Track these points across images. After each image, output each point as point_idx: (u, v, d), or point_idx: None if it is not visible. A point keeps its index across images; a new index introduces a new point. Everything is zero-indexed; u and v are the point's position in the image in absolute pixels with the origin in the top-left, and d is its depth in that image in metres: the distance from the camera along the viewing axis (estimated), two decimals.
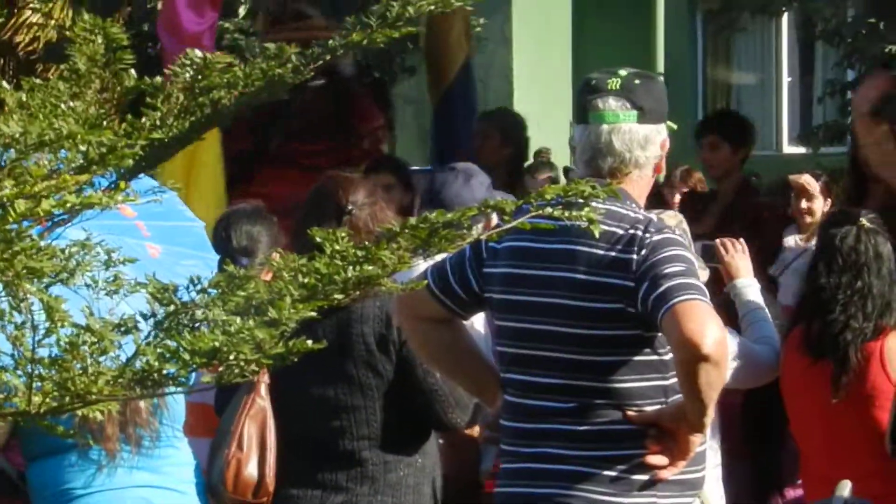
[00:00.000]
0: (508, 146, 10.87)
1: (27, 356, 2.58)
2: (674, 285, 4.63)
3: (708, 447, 5.44)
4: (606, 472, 4.94)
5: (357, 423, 6.08)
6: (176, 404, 5.15)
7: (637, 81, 5.37)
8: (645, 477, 4.97)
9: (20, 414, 2.72)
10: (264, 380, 5.06)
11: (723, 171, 10.46)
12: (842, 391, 5.41)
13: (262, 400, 5.80)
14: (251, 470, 5.65)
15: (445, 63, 10.61)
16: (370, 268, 2.78)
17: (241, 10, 14.99)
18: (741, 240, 6.38)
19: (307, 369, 5.24)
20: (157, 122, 2.81)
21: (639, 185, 5.13)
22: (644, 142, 5.00)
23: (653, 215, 5.13)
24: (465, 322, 5.61)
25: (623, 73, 5.43)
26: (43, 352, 2.58)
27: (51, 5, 10.26)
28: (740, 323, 5.88)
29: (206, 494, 5.64)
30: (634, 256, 4.76)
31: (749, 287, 6.14)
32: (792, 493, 5.96)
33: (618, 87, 5.25)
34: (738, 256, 6.01)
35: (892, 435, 4.69)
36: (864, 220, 5.89)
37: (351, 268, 2.76)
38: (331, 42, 3.07)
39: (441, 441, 6.50)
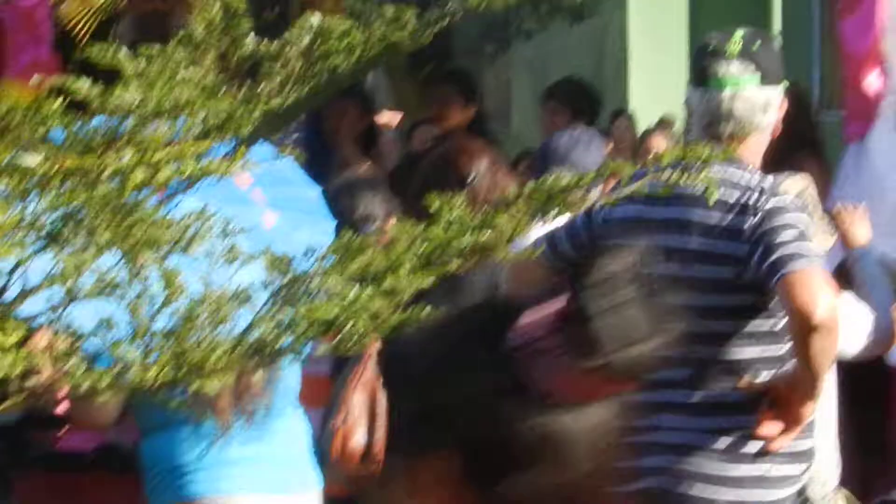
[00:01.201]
0: (472, 106, 10.78)
1: (144, 328, 2.61)
2: (787, 254, 4.64)
3: (823, 417, 5.44)
4: (718, 443, 5.00)
5: None
6: (290, 375, 5.20)
7: (758, 43, 5.28)
8: (756, 447, 5.01)
9: (136, 387, 2.70)
10: (375, 348, 5.01)
11: None
12: None
13: (372, 369, 5.81)
14: (358, 438, 5.67)
15: None
16: (488, 234, 2.79)
17: None
18: (862, 205, 6.35)
19: (417, 338, 4.98)
20: (276, 89, 2.83)
21: (755, 148, 5.08)
22: (765, 105, 4.98)
23: (769, 180, 5.04)
24: None
25: (741, 33, 5.35)
26: (159, 323, 2.62)
27: None
28: (858, 291, 5.84)
29: (320, 464, 5.70)
30: (747, 224, 4.76)
31: (866, 256, 6.04)
32: None
33: (738, 50, 5.18)
34: (857, 223, 5.93)
35: None
36: None
37: (468, 234, 2.77)
38: (449, 5, 3.06)
39: None
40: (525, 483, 1.97)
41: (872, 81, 5.51)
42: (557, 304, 2.00)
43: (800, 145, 6.30)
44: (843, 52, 5.42)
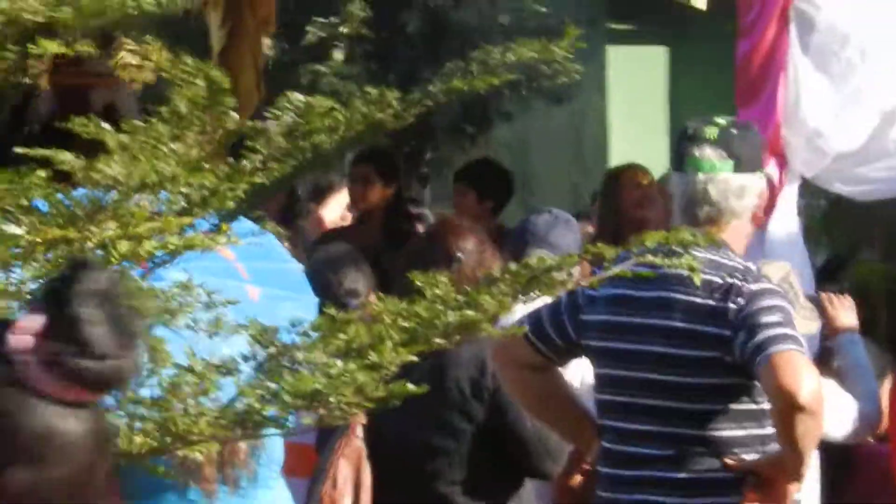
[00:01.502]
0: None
1: (130, 396, 2.55)
2: (771, 336, 4.56)
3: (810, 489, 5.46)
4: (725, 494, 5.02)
5: (450, 468, 6.05)
6: (274, 445, 5.23)
7: (734, 131, 5.23)
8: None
9: (121, 454, 2.68)
10: (360, 420, 5.06)
11: (470, 218, 10.25)
12: None
13: (358, 440, 5.83)
14: None
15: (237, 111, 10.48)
16: (471, 312, 2.81)
17: (339, 55, 15.06)
18: (847, 296, 6.38)
19: (401, 411, 4.96)
20: (259, 165, 2.84)
21: (738, 233, 5.07)
22: (740, 191, 4.99)
23: (752, 264, 4.99)
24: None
25: (721, 121, 5.38)
26: (145, 392, 2.59)
27: (148, 47, 10.32)
28: (842, 377, 5.87)
29: None
30: (732, 306, 4.70)
31: (851, 343, 6.07)
32: None
33: (715, 136, 5.21)
34: (842, 312, 5.97)
35: None
36: None
37: (452, 312, 2.79)
38: (432, 87, 3.09)
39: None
40: (23, 476, 2.01)
41: (771, 172, 5.52)
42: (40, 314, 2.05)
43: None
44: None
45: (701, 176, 4.88)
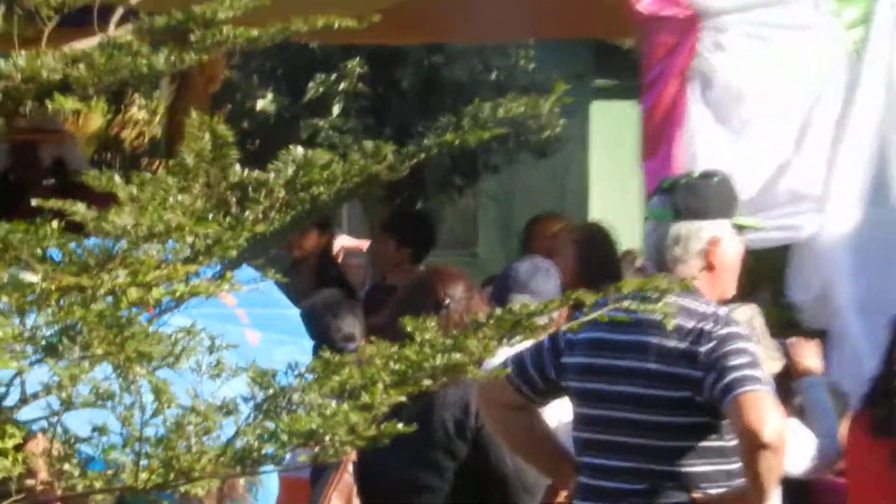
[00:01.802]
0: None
1: (135, 435, 2.64)
2: (738, 377, 4.75)
3: None
4: None
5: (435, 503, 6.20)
6: (270, 480, 5.38)
7: (684, 181, 5.35)
8: None
9: (128, 489, 2.75)
10: (351, 457, 5.15)
11: (389, 264, 11.01)
12: None
13: (349, 475, 5.95)
14: None
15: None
16: (458, 356, 2.82)
17: (336, 109, 15.16)
18: (815, 341, 6.51)
19: (389, 449, 5.05)
20: (260, 216, 2.86)
21: (708, 280, 5.24)
22: (676, 239, 5.04)
23: (721, 310, 5.16)
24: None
25: (690, 174, 5.51)
26: (150, 431, 2.63)
27: (156, 103, 10.46)
28: (805, 416, 6.03)
29: None
30: (702, 349, 4.87)
31: (815, 385, 6.19)
32: None
33: (668, 186, 5.34)
34: (809, 354, 6.09)
35: None
36: None
37: (439, 355, 2.79)
38: (425, 140, 3.13)
39: None
40: None
41: None
42: None
43: (599, 279, 6.36)
44: (647, 193, 5.48)
45: (650, 224, 4.99)
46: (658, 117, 5.58)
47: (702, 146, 5.78)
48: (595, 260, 7.78)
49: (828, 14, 5.57)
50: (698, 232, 5.08)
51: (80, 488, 2.94)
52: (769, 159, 5.92)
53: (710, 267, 5.09)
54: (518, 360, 5.14)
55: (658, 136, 5.73)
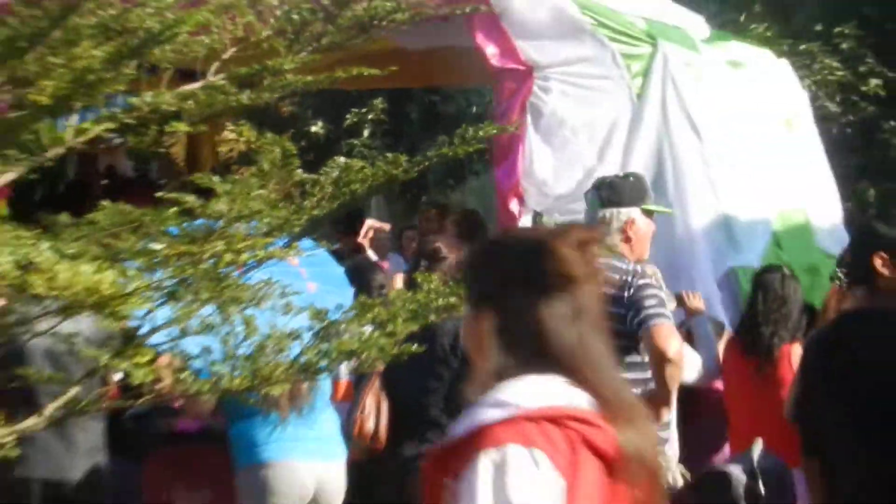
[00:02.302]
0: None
1: (231, 354, 2.75)
2: (650, 313, 4.98)
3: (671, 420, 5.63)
4: None
5: (437, 400, 6.16)
6: (325, 384, 5.39)
7: (608, 181, 5.43)
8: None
9: (225, 391, 2.81)
10: (380, 368, 5.16)
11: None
12: (764, 376, 5.52)
13: (378, 381, 5.99)
14: (370, 426, 5.79)
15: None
16: (453, 299, 2.99)
17: (365, 132, 15.32)
18: (698, 293, 6.70)
19: (406, 363, 5.10)
20: (315, 204, 2.94)
21: (627, 248, 5.25)
22: (602, 220, 5.16)
23: (637, 267, 5.29)
24: None
25: (615, 175, 5.74)
26: (241, 351, 2.73)
27: (242, 127, 10.52)
28: (694, 343, 6.17)
29: (345, 441, 5.85)
30: (625, 294, 5.07)
31: (701, 321, 6.33)
32: (715, 456, 6.21)
33: (598, 184, 5.56)
34: (695, 302, 6.23)
35: (791, 406, 4.69)
36: (786, 270, 6.14)
37: (441, 299, 2.98)
38: (428, 153, 3.19)
39: None
40: None
41: (515, 208, 5.93)
42: None
43: None
44: (497, 190, 5.81)
45: (587, 211, 5.06)
46: (506, 138, 5.84)
47: (536, 156, 6.30)
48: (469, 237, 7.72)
49: (621, 67, 5.97)
50: (618, 215, 5.34)
51: (192, 391, 2.95)
52: (580, 167, 6.14)
53: (627, 239, 5.31)
54: None
55: (506, 150, 6.12)
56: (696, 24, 7.02)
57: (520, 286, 1.86)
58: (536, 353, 1.79)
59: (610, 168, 5.87)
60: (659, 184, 6.13)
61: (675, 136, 5.98)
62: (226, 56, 3.40)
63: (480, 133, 3.32)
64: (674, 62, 6.12)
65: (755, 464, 4.99)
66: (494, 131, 3.62)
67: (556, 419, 1.67)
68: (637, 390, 4.63)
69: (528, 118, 5.97)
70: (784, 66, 7.67)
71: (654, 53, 6.12)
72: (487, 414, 1.69)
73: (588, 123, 6.07)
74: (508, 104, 6.17)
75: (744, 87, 6.63)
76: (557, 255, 1.83)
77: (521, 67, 5.87)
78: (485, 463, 1.60)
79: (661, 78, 6.14)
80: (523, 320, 1.82)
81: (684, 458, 5.61)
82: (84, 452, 4.79)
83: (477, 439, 1.65)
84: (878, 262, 3.82)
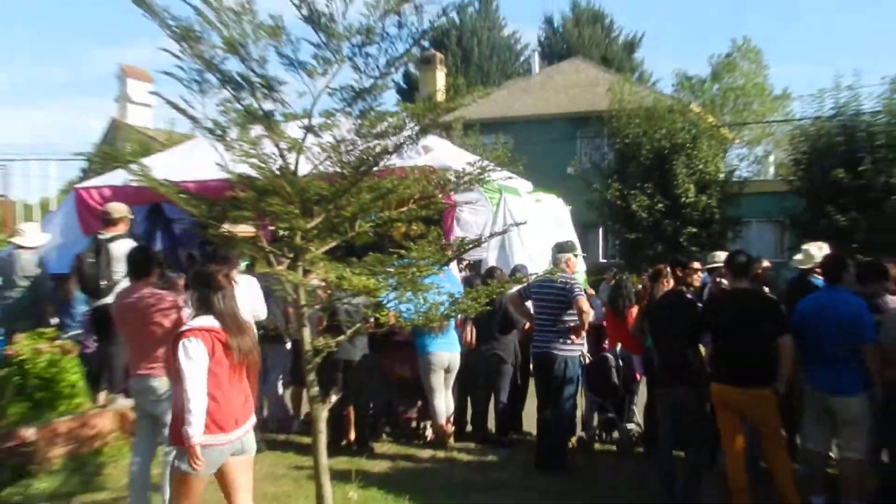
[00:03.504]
0: None
1: (417, 310, 4.63)
2: (575, 293, 6.79)
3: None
4: (561, 337, 7.01)
5: (495, 325, 8.00)
6: (452, 322, 7.21)
7: (556, 245, 7.76)
8: (570, 342, 7.00)
9: (415, 325, 4.63)
10: (472, 315, 6.20)
11: None
12: (621, 320, 7.99)
13: (470, 321, 7.73)
14: (468, 337, 7.96)
15: None
16: (500, 288, 4.72)
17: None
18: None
19: (483, 315, 6.26)
20: (453, 253, 4.71)
21: (567, 271, 7.21)
22: (556, 261, 7.37)
23: (571, 278, 7.09)
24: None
25: (559, 243, 7.93)
26: (422, 309, 4.56)
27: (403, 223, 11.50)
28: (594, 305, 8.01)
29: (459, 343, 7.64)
30: (566, 287, 6.90)
31: (595, 299, 8.29)
32: (603, 351, 8.35)
33: (555, 247, 7.81)
34: (590, 290, 8.44)
35: (633, 330, 7.22)
36: (626, 275, 8.39)
37: (493, 292, 4.76)
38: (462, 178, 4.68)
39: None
40: None
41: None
42: None
43: None
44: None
45: (554, 255, 7.52)
46: (447, 226, 9.20)
47: (456, 233, 8.84)
48: None
49: (487, 201, 9.51)
50: (563, 257, 7.17)
51: (401, 325, 4.86)
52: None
53: (567, 267, 7.11)
54: (518, 291, 7.06)
55: (447, 233, 8.90)
56: (524, 184, 10.83)
57: (205, 286, 4.31)
58: (206, 310, 4.22)
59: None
60: (504, 244, 9.47)
61: (508, 223, 7.43)
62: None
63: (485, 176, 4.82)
64: (509, 199, 9.72)
65: (618, 353, 7.22)
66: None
67: (205, 329, 4.11)
68: (572, 324, 6.62)
69: (455, 220, 9.02)
70: (559, 200, 12.29)
71: (501, 196, 9.59)
72: (189, 326, 4.10)
73: (476, 222, 9.24)
74: (448, 213, 9.19)
75: (542, 209, 10.99)
76: (215, 276, 4.34)
77: (451, 203, 8.45)
78: (182, 342, 4.00)
79: (503, 206, 9.63)
80: (205, 297, 4.25)
81: (591, 352, 7.59)
82: (360, 348, 6.93)
83: (183, 333, 4.05)
84: (676, 272, 5.88)
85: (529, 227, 7.92)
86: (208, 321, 4.04)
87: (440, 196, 4.93)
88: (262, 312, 6.39)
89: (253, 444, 4.30)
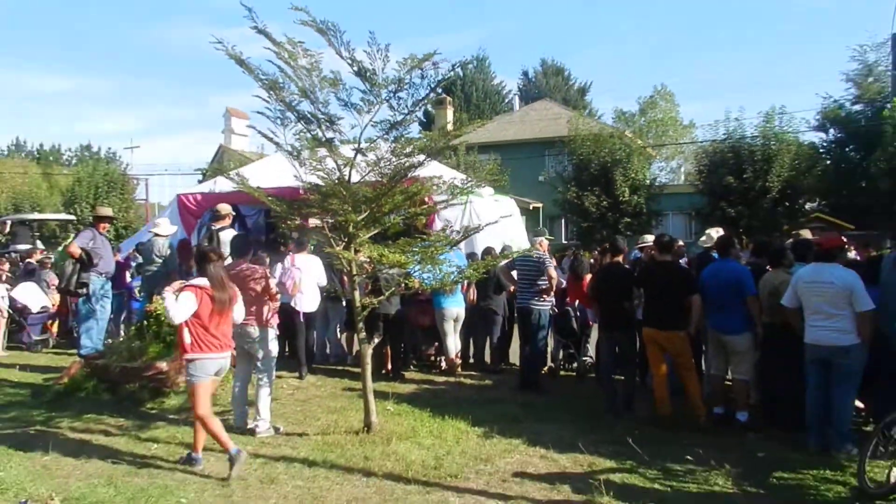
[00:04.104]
0: None
1: (435, 277, 4.58)
2: (546, 264, 6.37)
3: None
4: (536, 298, 6.48)
5: (489, 290, 7.39)
6: (459, 287, 6.66)
7: (535, 231, 7.15)
8: (543, 299, 6.49)
9: (432, 287, 4.63)
10: (474, 280, 6.09)
11: None
12: (580, 284, 7.15)
13: (474, 284, 7.14)
14: (471, 297, 7.45)
15: None
16: (493, 261, 4.93)
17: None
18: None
19: (482, 280, 6.50)
20: (459, 236, 4.53)
21: (543, 250, 6.72)
22: (534, 244, 6.73)
23: (543, 254, 6.62)
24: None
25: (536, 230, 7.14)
26: (438, 276, 4.52)
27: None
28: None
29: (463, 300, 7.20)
30: (540, 260, 6.45)
31: (558, 269, 7.20)
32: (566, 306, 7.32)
33: (535, 231, 6.94)
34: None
35: (589, 290, 6.67)
36: (581, 252, 7.55)
37: (484, 267, 4.72)
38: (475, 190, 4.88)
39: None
40: None
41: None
42: None
43: None
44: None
45: (532, 238, 6.75)
46: (430, 220, 7.14)
47: (437, 225, 7.55)
48: None
49: (460, 201, 6.78)
50: (537, 239, 6.71)
51: (423, 288, 4.86)
52: (451, 227, 6.07)
53: (542, 247, 6.63)
54: (506, 263, 6.57)
55: (430, 222, 7.35)
56: (486, 189, 8.29)
57: (207, 261, 4.06)
58: (203, 274, 4.06)
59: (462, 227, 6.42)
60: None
61: (473, 219, 7.18)
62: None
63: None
64: (473, 199, 7.56)
65: (576, 307, 6.89)
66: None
67: (197, 286, 3.98)
68: (544, 286, 6.21)
69: (436, 215, 7.07)
70: (510, 200, 9.61)
71: (468, 197, 7.14)
72: (189, 283, 3.97)
73: (450, 216, 7.29)
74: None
75: (497, 207, 8.30)
76: (208, 254, 4.15)
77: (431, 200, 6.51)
78: (184, 292, 3.92)
79: (469, 204, 7.77)
80: (203, 267, 4.04)
81: (557, 306, 7.10)
82: (394, 305, 6.59)
83: (185, 287, 3.94)
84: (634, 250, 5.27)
85: (488, 219, 7.66)
86: (203, 281, 4.09)
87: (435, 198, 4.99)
88: (323, 280, 6.41)
89: (226, 367, 4.24)
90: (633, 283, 5.43)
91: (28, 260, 10.48)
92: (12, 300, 8.28)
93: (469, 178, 4.75)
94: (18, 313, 8.45)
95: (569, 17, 65.98)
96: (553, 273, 6.30)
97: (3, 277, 8.70)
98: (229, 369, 6.22)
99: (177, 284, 4.09)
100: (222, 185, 8.59)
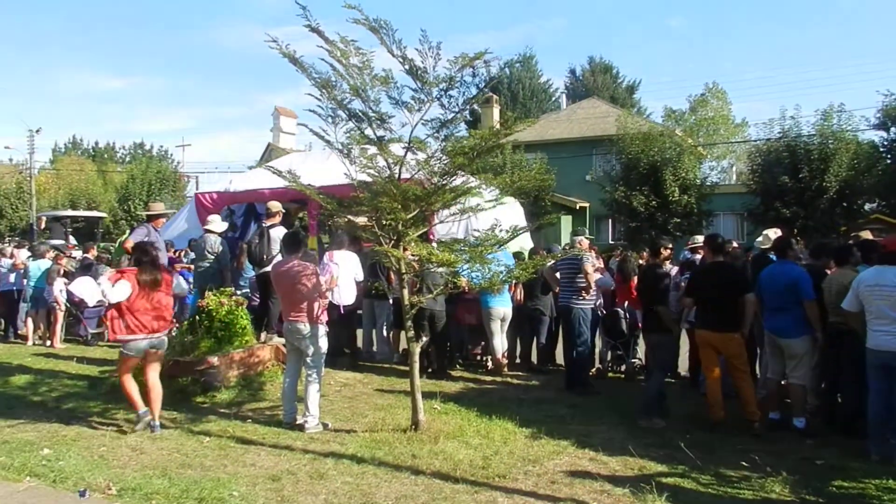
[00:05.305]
0: None
1: (485, 277, 4.47)
2: (586, 262, 6.32)
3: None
4: (575, 294, 6.47)
5: (536, 289, 7.27)
6: (506, 286, 6.55)
7: (571, 237, 6.65)
8: (581, 297, 6.48)
9: (482, 287, 4.59)
10: (522, 280, 5.78)
11: None
12: (628, 286, 7.03)
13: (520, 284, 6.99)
14: (518, 296, 7.33)
15: None
16: (529, 264, 5.02)
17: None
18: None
19: (530, 280, 6.36)
20: (507, 237, 4.50)
21: (581, 248, 6.67)
22: (571, 243, 6.66)
23: (584, 254, 6.54)
24: None
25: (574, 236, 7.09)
26: (487, 276, 4.44)
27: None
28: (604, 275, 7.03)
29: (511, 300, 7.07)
30: (577, 259, 6.38)
31: (605, 271, 7.18)
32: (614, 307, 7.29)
33: (574, 230, 6.81)
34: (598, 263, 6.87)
35: (641, 292, 6.17)
36: (630, 253, 7.43)
37: (530, 268, 4.53)
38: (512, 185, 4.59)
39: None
40: None
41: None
42: None
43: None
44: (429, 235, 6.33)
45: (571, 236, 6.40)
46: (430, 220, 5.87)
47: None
48: None
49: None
50: (576, 239, 6.79)
51: (471, 287, 4.78)
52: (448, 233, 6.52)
53: (581, 245, 6.69)
54: (551, 264, 6.37)
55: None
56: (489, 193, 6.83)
57: (142, 252, 4.35)
58: (138, 264, 4.47)
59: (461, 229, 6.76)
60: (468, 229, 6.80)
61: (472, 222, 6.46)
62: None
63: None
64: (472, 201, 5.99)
65: (625, 308, 6.81)
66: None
67: (130, 271, 4.43)
68: (582, 285, 6.19)
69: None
70: (516, 203, 8.36)
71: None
72: (121, 269, 4.25)
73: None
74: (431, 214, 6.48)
75: (502, 208, 6.09)
76: (146, 248, 4.64)
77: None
78: (119, 280, 4.51)
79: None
80: (138, 258, 4.61)
81: (606, 307, 7.16)
82: (441, 303, 6.59)
83: (119, 272, 4.35)
84: (664, 252, 5.40)
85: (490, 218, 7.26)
86: (136, 268, 4.72)
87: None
88: (360, 275, 6.38)
89: (165, 343, 4.89)
90: (663, 286, 5.46)
91: (85, 255, 10.78)
92: (69, 294, 8.51)
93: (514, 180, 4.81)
94: (75, 307, 8.73)
95: (617, 13, 65.07)
96: (588, 269, 6.20)
97: (62, 272, 8.91)
98: (278, 364, 6.41)
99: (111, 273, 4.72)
100: (237, 184, 9.06)
